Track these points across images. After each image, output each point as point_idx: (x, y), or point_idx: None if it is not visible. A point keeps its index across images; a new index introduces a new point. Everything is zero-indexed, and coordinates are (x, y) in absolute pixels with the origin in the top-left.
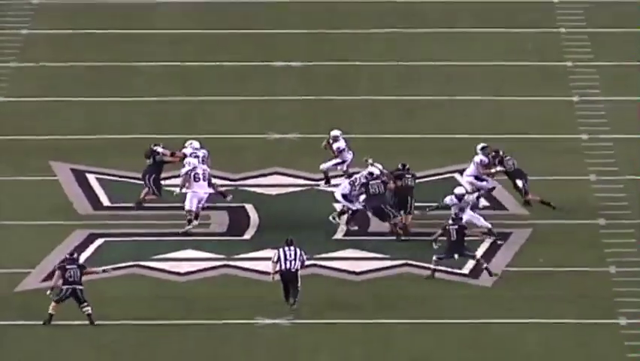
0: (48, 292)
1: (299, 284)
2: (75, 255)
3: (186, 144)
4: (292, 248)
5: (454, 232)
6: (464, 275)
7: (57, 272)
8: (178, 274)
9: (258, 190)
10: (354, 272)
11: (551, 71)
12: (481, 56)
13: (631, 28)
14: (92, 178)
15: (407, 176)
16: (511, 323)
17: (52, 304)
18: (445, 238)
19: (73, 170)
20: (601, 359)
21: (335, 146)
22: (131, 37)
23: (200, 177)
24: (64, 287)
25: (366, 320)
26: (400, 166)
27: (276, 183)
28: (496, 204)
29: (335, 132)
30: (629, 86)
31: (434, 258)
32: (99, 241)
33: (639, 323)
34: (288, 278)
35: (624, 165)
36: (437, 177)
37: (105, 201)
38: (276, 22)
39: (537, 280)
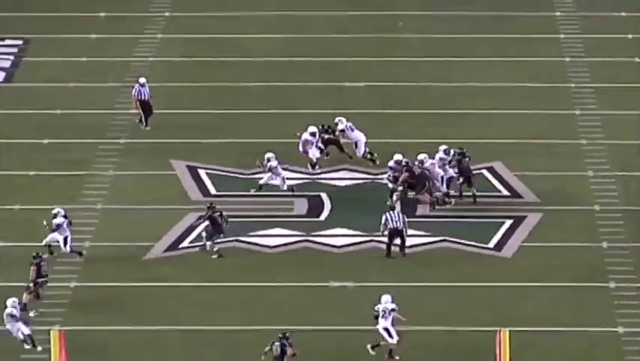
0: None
1: (405, 236)
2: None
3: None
4: (395, 212)
5: None
6: (490, 248)
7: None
8: (268, 247)
9: (331, 182)
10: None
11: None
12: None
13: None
14: (202, 172)
15: (465, 158)
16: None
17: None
18: None
19: (188, 166)
20: (592, 315)
21: (339, 128)
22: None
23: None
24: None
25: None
26: (458, 150)
27: (344, 176)
28: (514, 193)
29: (336, 120)
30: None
31: None
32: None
33: (625, 286)
34: (396, 234)
35: (615, 164)
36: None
37: (212, 190)
38: None
39: (544, 253)
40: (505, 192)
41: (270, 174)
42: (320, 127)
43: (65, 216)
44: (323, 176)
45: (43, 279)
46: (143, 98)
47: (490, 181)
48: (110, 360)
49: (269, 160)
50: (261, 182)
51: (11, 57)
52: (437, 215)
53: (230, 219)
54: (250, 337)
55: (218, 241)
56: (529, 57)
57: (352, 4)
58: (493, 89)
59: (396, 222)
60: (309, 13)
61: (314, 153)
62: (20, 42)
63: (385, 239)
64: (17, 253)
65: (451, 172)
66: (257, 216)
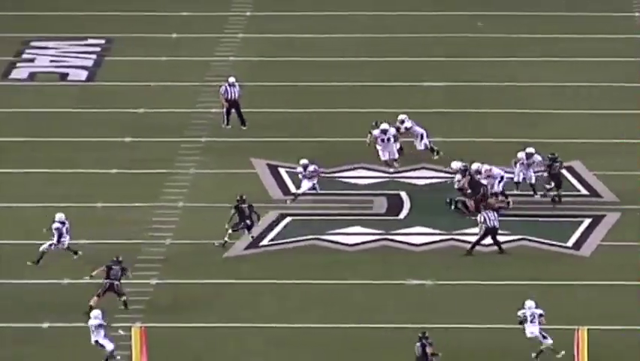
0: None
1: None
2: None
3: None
4: (493, 212)
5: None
6: (568, 247)
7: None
8: (347, 245)
9: (410, 181)
10: (482, 244)
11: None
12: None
13: None
14: (282, 171)
15: (556, 163)
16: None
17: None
18: None
19: (268, 164)
20: None
21: (406, 125)
22: None
23: None
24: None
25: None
26: (550, 155)
27: (423, 175)
28: (593, 193)
29: (401, 117)
30: None
31: None
32: (287, 220)
33: None
34: (492, 232)
35: None
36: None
37: (292, 188)
38: None
39: (623, 252)
40: (584, 192)
41: (307, 180)
42: (374, 124)
43: (63, 223)
44: (402, 175)
45: (110, 281)
46: (231, 97)
47: (569, 180)
48: (189, 357)
49: (306, 167)
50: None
51: (93, 56)
52: (516, 214)
53: (310, 217)
54: (330, 335)
55: (298, 239)
56: (608, 57)
57: (433, 4)
58: (572, 89)
59: (492, 221)
60: (388, 14)
61: (392, 152)
62: (103, 41)
63: (467, 237)
64: (99, 250)
65: (532, 175)
66: (336, 214)
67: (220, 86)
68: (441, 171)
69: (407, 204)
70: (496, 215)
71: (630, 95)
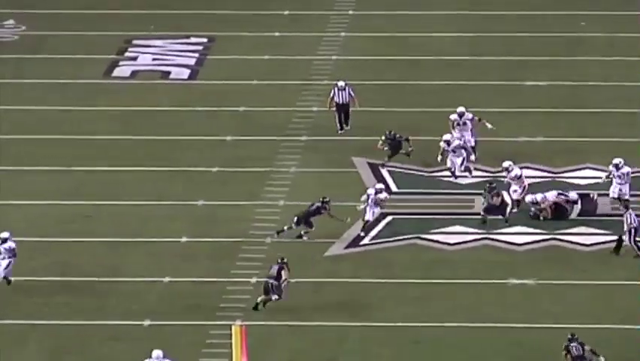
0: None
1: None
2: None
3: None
4: (633, 212)
5: None
6: None
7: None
8: (448, 244)
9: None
10: (584, 244)
11: None
12: None
13: None
14: (384, 170)
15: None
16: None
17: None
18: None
19: (369, 163)
20: None
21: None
22: None
23: None
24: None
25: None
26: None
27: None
28: None
29: (460, 109)
30: None
31: None
32: (388, 218)
33: None
34: (635, 233)
35: None
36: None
37: (393, 187)
38: None
39: None
40: None
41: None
42: (387, 133)
43: (5, 241)
44: (565, 175)
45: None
46: (340, 101)
47: None
48: (287, 356)
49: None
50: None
51: (196, 55)
52: (617, 213)
53: (411, 216)
54: (431, 334)
55: (400, 238)
56: None
57: (531, 4)
58: None
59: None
60: (490, 13)
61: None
62: (205, 40)
63: (568, 237)
64: (201, 248)
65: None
66: (437, 213)
67: (330, 90)
68: (542, 170)
69: (509, 203)
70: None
71: None
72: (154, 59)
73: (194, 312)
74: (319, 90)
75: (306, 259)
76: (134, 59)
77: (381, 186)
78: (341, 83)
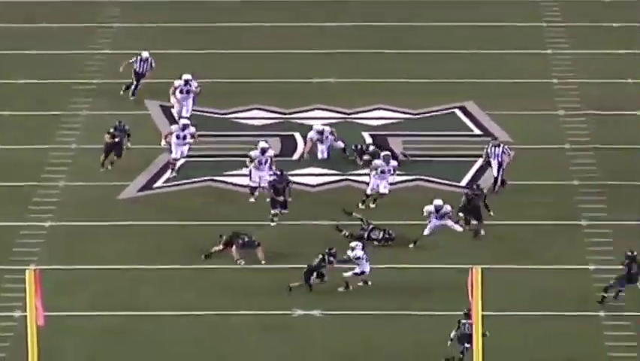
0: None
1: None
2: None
3: None
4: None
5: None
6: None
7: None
8: (242, 186)
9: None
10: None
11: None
12: None
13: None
14: (174, 112)
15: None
16: None
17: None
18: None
19: (162, 106)
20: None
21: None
22: None
23: None
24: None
25: None
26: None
27: (317, 116)
28: (486, 132)
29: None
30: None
31: None
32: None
33: (597, 224)
34: None
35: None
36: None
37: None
38: None
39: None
40: (478, 132)
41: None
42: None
43: None
44: (296, 116)
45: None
46: (140, 71)
47: (462, 120)
48: (87, 298)
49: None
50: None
51: None
52: (412, 155)
53: (204, 159)
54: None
55: (193, 180)
56: None
57: None
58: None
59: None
60: None
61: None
62: None
63: (361, 178)
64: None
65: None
66: (230, 155)
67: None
68: (333, 110)
69: (301, 145)
70: None
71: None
72: None
73: None
74: (109, 33)
75: (100, 201)
76: None
77: (186, 121)
78: (145, 54)
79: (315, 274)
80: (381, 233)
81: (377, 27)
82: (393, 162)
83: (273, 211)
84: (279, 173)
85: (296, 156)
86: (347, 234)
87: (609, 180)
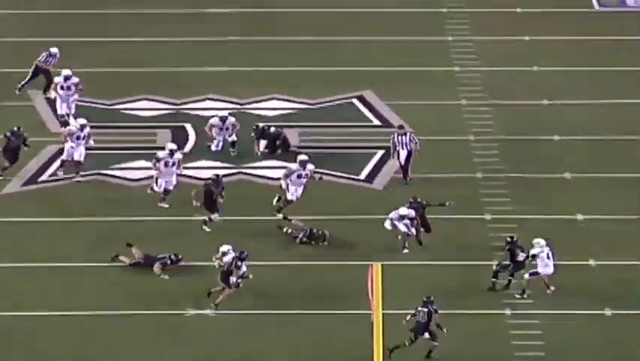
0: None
1: None
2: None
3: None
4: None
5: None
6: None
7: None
8: (131, 180)
9: (198, 113)
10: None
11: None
12: None
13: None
14: (59, 104)
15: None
16: None
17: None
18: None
19: (47, 99)
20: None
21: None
22: None
23: None
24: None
25: None
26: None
27: (209, 106)
28: (385, 123)
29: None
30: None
31: None
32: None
33: (500, 218)
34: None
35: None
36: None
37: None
38: None
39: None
40: (377, 122)
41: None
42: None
43: None
44: (188, 107)
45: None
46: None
47: (360, 110)
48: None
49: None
50: None
51: None
52: (310, 146)
53: (93, 151)
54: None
55: (82, 174)
56: None
57: None
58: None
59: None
60: None
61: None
62: None
63: (254, 171)
64: None
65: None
66: (119, 148)
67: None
68: (226, 101)
69: (193, 137)
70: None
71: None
72: None
73: None
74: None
75: None
76: None
77: (83, 121)
78: (54, 50)
79: (234, 277)
80: (320, 232)
81: (272, 13)
82: (310, 166)
83: (212, 216)
84: (214, 177)
85: (187, 148)
86: (289, 231)
87: (513, 173)
